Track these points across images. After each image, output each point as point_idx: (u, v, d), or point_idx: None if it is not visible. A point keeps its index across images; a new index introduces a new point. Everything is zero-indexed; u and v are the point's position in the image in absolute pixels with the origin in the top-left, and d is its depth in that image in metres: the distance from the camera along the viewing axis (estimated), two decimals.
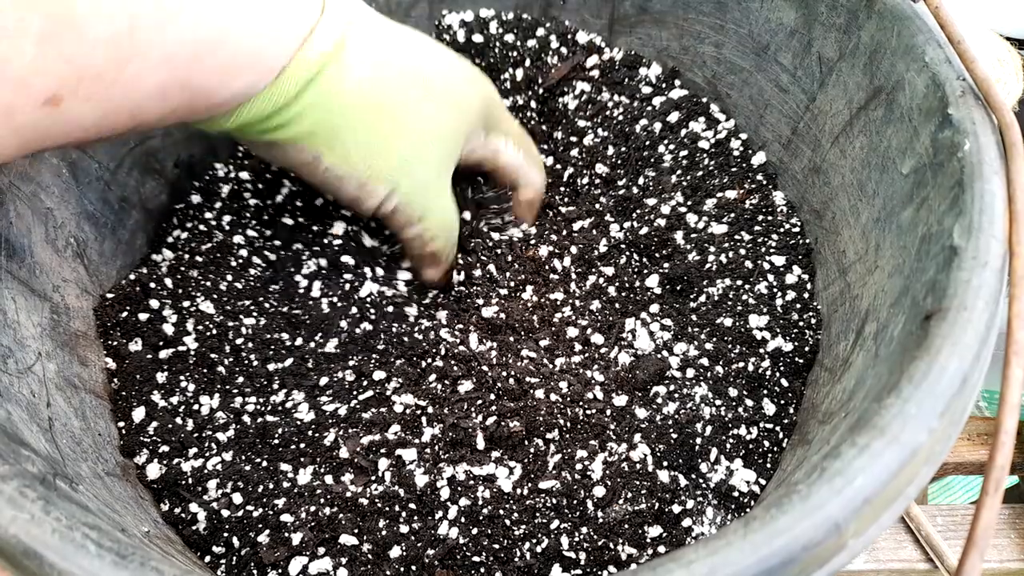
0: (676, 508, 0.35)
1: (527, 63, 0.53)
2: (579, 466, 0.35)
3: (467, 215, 0.46)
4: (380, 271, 0.44)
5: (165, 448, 0.37)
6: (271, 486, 0.35)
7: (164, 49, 0.30)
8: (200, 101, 0.33)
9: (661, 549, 0.34)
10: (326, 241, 0.46)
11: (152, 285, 0.42)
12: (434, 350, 0.39)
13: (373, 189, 0.39)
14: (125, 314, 0.41)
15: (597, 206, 0.48)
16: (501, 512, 0.34)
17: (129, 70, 0.29)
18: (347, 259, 0.45)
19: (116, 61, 0.28)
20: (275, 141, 0.37)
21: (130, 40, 0.28)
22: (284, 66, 0.34)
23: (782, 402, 0.39)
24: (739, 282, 0.43)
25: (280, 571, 0.33)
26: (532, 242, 0.45)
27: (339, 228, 0.47)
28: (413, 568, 0.33)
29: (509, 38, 0.53)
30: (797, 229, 0.45)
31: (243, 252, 0.45)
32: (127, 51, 0.28)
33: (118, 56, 0.28)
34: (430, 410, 0.37)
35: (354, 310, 0.41)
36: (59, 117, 0.28)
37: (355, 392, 0.39)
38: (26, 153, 0.30)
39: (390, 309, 0.41)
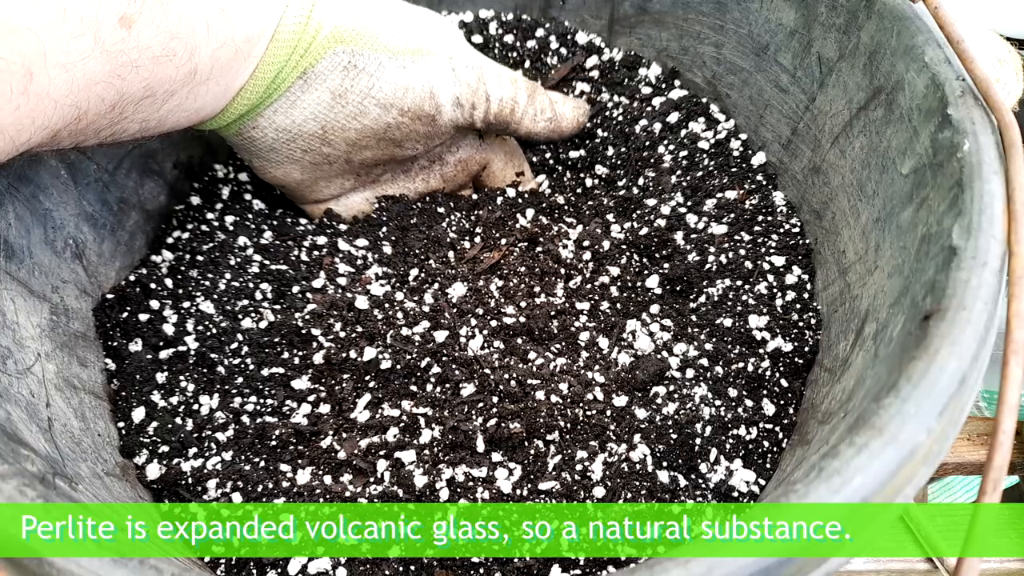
0: (676, 508, 0.35)
1: (527, 64, 0.53)
2: (579, 467, 0.35)
3: None
4: (383, 268, 0.44)
5: (165, 448, 0.37)
6: (270, 486, 0.35)
7: None
8: (239, 26, 0.36)
9: (660, 549, 0.34)
10: (329, 239, 0.46)
11: (152, 286, 0.42)
12: (434, 358, 0.39)
13: (420, 64, 0.41)
14: (125, 315, 0.41)
15: (599, 207, 0.48)
16: (501, 513, 0.34)
17: None
18: (350, 251, 0.45)
19: None
20: (309, 68, 0.39)
21: None
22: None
23: (782, 402, 0.39)
24: (739, 282, 0.43)
25: (279, 570, 0.33)
26: (533, 243, 0.45)
27: (343, 226, 0.47)
28: (412, 568, 0.33)
29: (509, 39, 0.53)
30: (797, 229, 0.45)
31: (246, 252, 0.45)
32: None
33: None
34: (429, 413, 0.37)
35: (358, 308, 0.41)
36: (135, 42, 0.31)
37: (354, 395, 0.39)
38: (110, 104, 0.32)
39: (393, 311, 0.41)
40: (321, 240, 0.46)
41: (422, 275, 0.44)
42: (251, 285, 0.43)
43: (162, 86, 0.34)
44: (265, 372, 0.40)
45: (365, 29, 0.40)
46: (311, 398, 0.39)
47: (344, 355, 0.39)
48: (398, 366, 0.38)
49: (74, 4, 0.29)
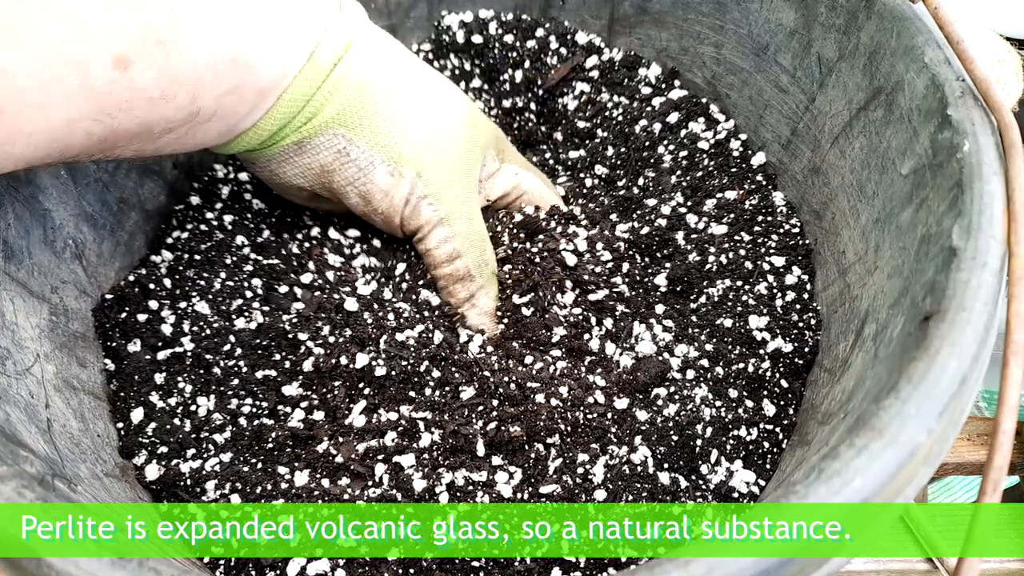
0: (676, 509, 0.35)
1: (527, 64, 0.53)
2: (580, 470, 0.35)
3: None
4: (371, 259, 0.44)
5: (163, 449, 0.37)
6: (269, 487, 0.35)
7: (213, 19, 0.32)
8: (249, 78, 0.35)
9: (661, 551, 0.34)
10: (321, 228, 0.46)
11: (151, 286, 0.42)
12: (432, 362, 0.39)
13: (401, 173, 0.40)
14: (124, 315, 0.41)
15: (599, 207, 0.48)
16: (501, 515, 0.34)
17: (185, 36, 0.31)
18: (339, 240, 0.45)
19: (174, 23, 0.31)
20: (306, 139, 0.39)
21: (184, 5, 0.31)
22: (312, 51, 0.37)
23: (782, 403, 0.39)
24: (739, 283, 0.43)
25: (278, 571, 0.33)
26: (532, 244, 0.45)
27: (351, 231, 0.47)
28: (411, 570, 0.33)
29: (508, 39, 0.53)
30: (797, 230, 0.45)
31: (242, 251, 0.45)
32: (183, 13, 0.31)
33: (176, 18, 0.31)
34: (429, 417, 0.37)
35: (347, 310, 0.41)
36: (128, 84, 0.30)
37: (347, 402, 0.38)
38: (99, 138, 0.31)
39: (384, 313, 0.41)
40: (315, 231, 0.46)
41: (407, 274, 0.43)
42: (244, 284, 0.43)
43: (159, 124, 0.33)
44: (259, 375, 0.40)
45: (370, 118, 0.39)
46: (303, 404, 0.39)
47: (334, 361, 0.39)
48: (393, 372, 0.38)
49: (63, 44, 0.28)
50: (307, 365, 0.39)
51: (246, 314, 0.42)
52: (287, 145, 0.39)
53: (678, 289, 0.44)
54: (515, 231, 0.45)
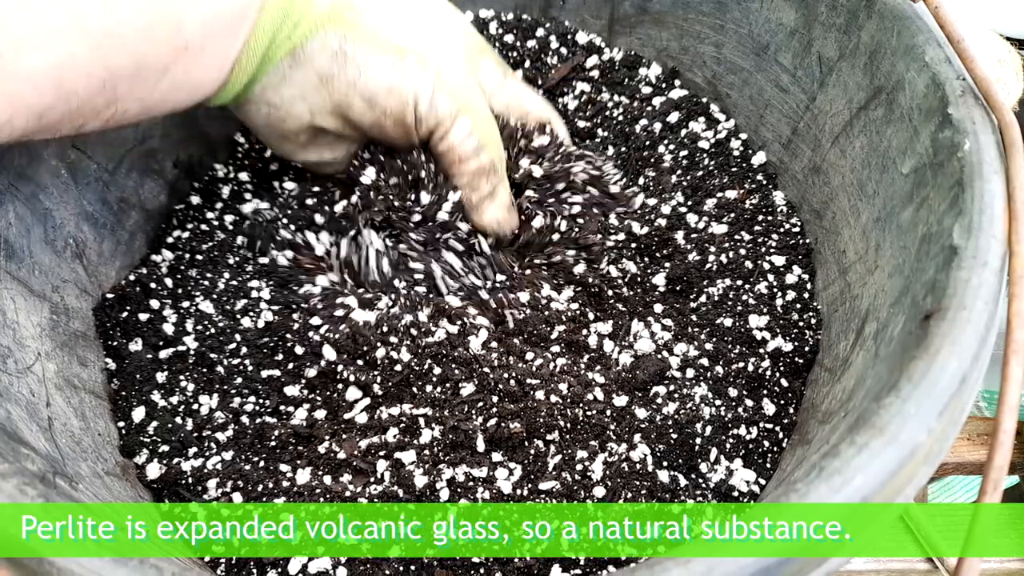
0: (676, 508, 0.35)
1: (527, 64, 0.53)
2: (579, 467, 0.35)
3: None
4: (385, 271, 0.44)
5: (165, 448, 0.37)
6: (270, 485, 0.35)
7: None
8: (226, 6, 0.35)
9: (660, 549, 0.34)
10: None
11: (152, 285, 0.42)
12: (434, 359, 0.39)
13: (409, 69, 0.39)
14: (125, 314, 0.41)
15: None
16: (501, 513, 0.34)
17: None
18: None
19: None
20: (298, 47, 0.38)
21: None
22: None
23: (782, 402, 0.39)
24: (739, 282, 0.43)
25: (279, 570, 0.33)
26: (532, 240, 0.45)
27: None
28: (412, 568, 0.33)
29: (509, 39, 0.53)
30: (797, 229, 0.45)
31: (244, 251, 0.45)
32: None
33: None
34: (429, 414, 0.37)
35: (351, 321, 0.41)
36: (110, 13, 0.31)
37: (351, 401, 0.38)
38: (99, 81, 0.32)
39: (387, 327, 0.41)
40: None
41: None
42: (249, 284, 0.43)
43: (153, 61, 0.33)
44: (264, 374, 0.40)
45: (360, 12, 0.38)
46: (306, 405, 0.39)
47: (338, 376, 0.39)
48: (392, 381, 0.38)
49: None
50: (311, 372, 0.39)
51: (252, 313, 0.42)
52: (281, 61, 0.38)
53: (678, 288, 0.44)
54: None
